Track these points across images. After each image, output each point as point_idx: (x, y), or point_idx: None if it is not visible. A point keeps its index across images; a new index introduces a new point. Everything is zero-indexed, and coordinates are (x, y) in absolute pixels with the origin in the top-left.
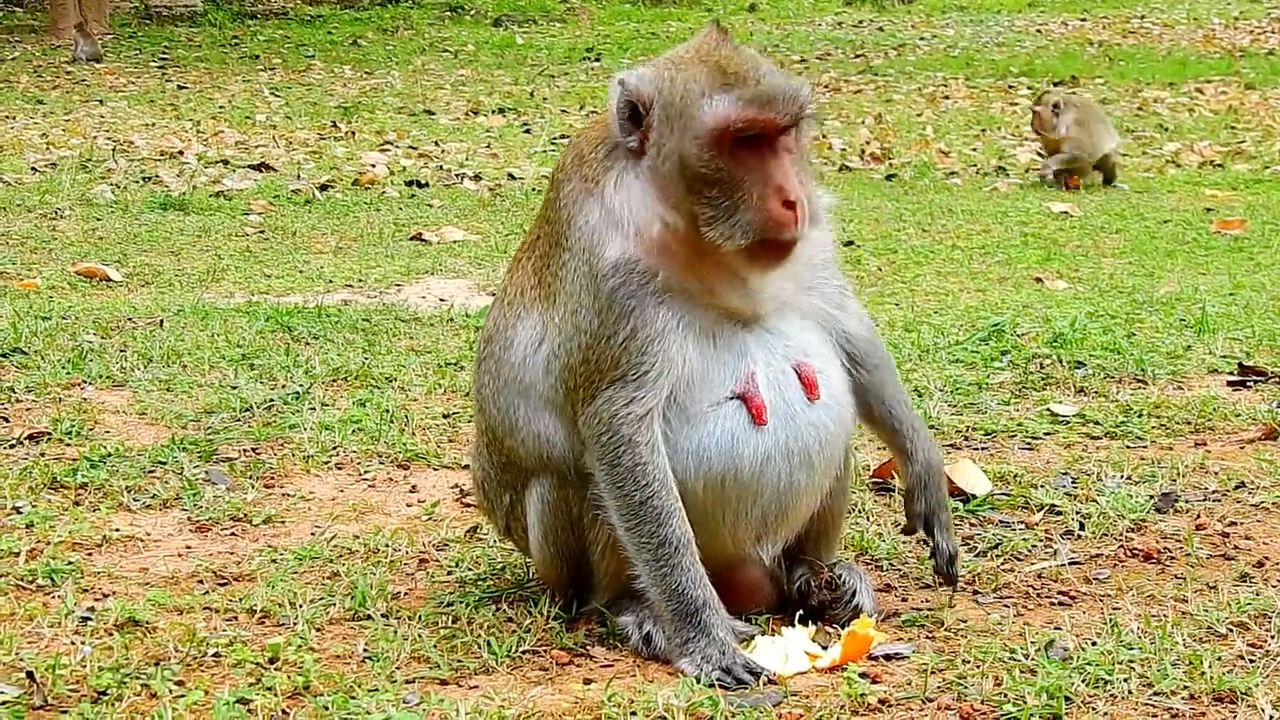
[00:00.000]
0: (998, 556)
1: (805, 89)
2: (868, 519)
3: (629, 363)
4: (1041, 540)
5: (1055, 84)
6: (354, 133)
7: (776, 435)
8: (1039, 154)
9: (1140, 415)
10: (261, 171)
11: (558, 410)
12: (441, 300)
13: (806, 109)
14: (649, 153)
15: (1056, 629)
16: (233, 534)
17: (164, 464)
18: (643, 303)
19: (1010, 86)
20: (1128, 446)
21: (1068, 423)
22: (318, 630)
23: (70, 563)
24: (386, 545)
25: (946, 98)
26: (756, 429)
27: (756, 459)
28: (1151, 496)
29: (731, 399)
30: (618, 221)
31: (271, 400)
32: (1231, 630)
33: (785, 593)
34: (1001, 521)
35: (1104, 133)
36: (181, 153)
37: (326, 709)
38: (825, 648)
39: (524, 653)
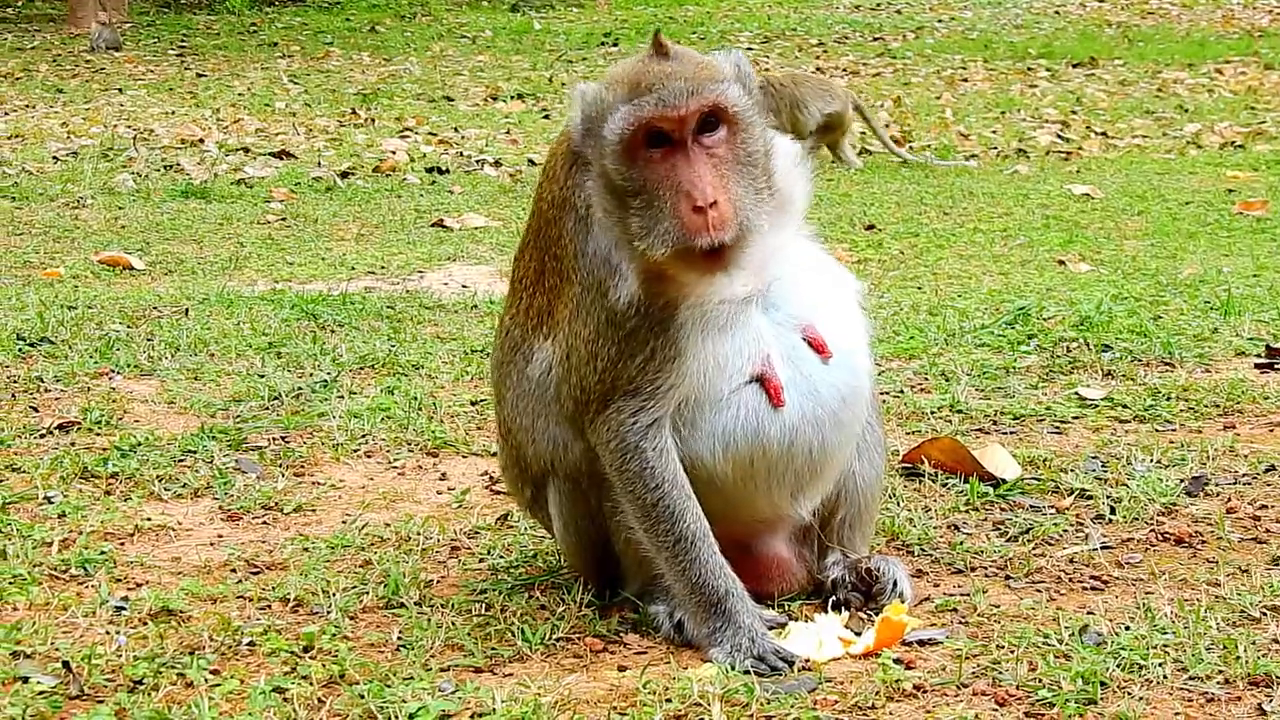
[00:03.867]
0: (1029, 541)
1: (710, 85)
2: (898, 504)
3: (643, 379)
4: (1072, 525)
5: (1074, 65)
6: (373, 119)
7: (801, 408)
8: None
9: (1168, 398)
10: (282, 159)
11: (569, 421)
12: (464, 286)
13: (719, 104)
14: (589, 174)
15: (1090, 614)
16: (264, 523)
17: (194, 453)
18: (664, 329)
19: (1029, 69)
20: (1157, 430)
21: (1096, 406)
22: (351, 619)
23: (103, 552)
24: (418, 533)
25: (965, 80)
26: (777, 410)
27: (784, 435)
28: (1182, 480)
29: (750, 382)
30: (614, 262)
31: (299, 388)
32: (1265, 614)
33: (814, 578)
34: (1032, 506)
35: (810, 105)
36: (202, 141)
37: (362, 697)
38: (859, 634)
39: (558, 640)
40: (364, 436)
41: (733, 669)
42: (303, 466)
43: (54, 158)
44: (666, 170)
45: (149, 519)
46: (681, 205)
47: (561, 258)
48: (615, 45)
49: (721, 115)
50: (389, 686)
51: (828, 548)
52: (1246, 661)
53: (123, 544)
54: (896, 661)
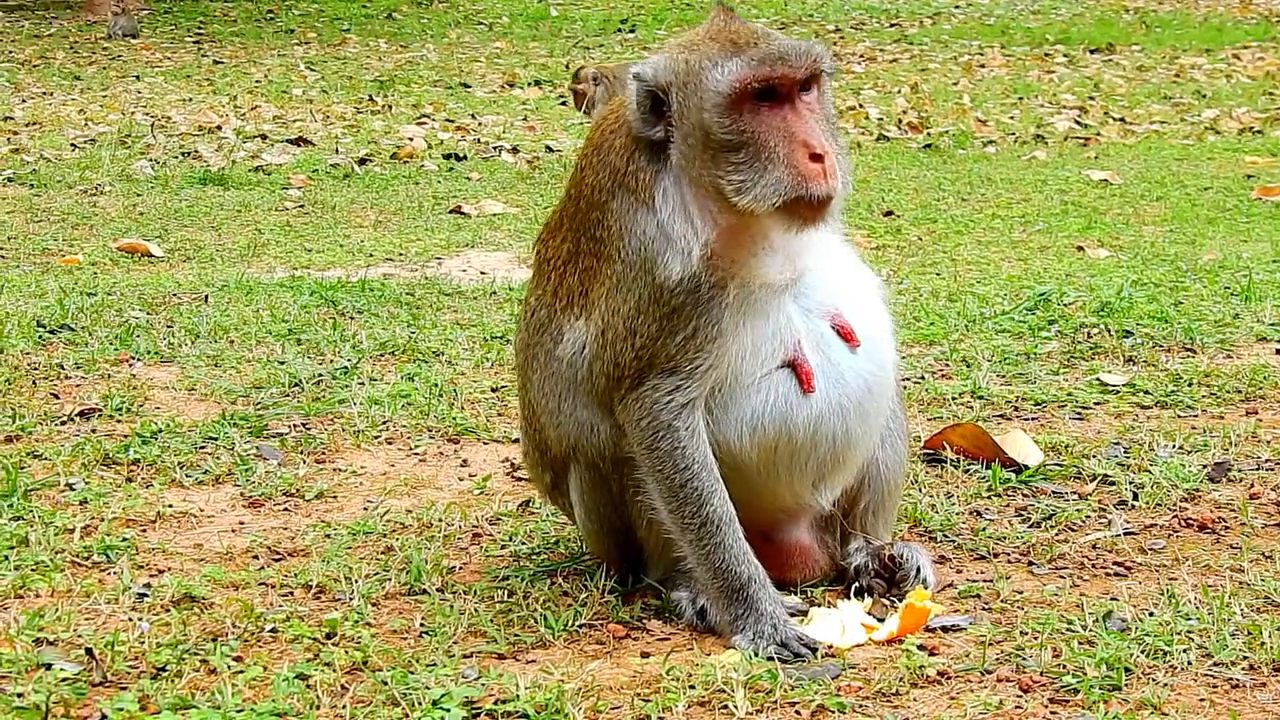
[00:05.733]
0: (1052, 527)
1: (818, 46)
2: (920, 490)
3: (683, 358)
4: (1095, 511)
5: (1091, 51)
6: (391, 106)
7: (828, 396)
8: None
9: (1190, 384)
10: (299, 146)
11: (599, 400)
12: (482, 273)
13: (821, 64)
14: (674, 139)
15: (1113, 600)
16: (286, 509)
17: (215, 439)
18: (707, 309)
19: (1047, 55)
20: (1179, 416)
21: (1118, 392)
22: (374, 605)
23: (125, 539)
24: (439, 520)
25: (983, 66)
26: (806, 396)
27: (810, 422)
28: (1204, 466)
29: (781, 368)
30: (674, 237)
31: (320, 375)
32: None
33: (837, 564)
34: (1055, 492)
35: None
36: (219, 128)
37: (385, 684)
38: (882, 620)
39: (580, 627)
40: (385, 423)
41: (756, 655)
42: (324, 453)
43: (72, 145)
44: (777, 121)
45: (170, 506)
46: (798, 154)
47: (602, 238)
48: (632, 31)
49: (819, 76)
50: (412, 673)
51: (850, 534)
52: (1271, 647)
53: (144, 531)
54: (920, 648)
